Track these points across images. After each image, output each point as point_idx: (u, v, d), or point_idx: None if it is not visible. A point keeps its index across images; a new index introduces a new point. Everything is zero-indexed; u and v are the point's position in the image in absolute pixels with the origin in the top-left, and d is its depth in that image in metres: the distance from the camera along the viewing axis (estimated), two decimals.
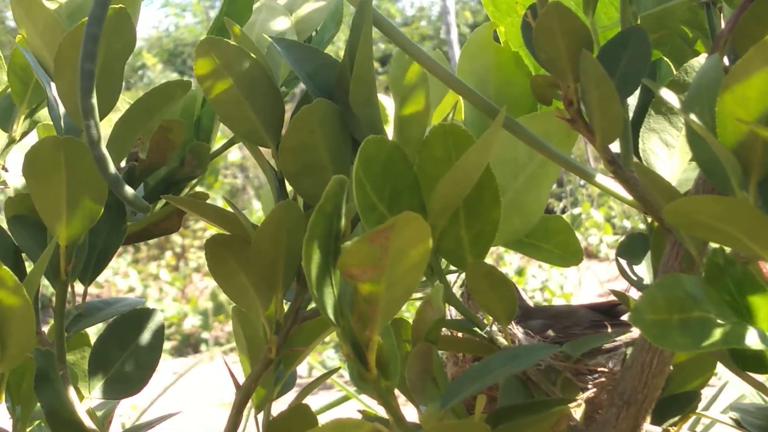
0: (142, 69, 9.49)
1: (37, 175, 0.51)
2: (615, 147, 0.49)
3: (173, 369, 4.05)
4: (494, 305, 0.49)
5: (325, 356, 3.94)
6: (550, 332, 0.55)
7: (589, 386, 0.53)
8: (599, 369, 0.53)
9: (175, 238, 5.32)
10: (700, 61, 0.51)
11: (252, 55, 0.49)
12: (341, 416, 0.38)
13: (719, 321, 0.36)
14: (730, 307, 0.37)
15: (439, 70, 0.49)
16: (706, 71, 0.39)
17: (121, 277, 5.10)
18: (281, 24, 0.59)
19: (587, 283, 4.58)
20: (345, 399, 1.53)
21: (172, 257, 5.35)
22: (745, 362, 0.40)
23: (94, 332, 0.59)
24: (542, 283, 4.58)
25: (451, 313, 0.54)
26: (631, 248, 0.54)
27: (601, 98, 0.42)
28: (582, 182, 5.58)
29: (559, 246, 0.58)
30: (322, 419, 0.44)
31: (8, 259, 0.56)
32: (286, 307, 0.54)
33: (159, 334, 0.61)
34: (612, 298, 0.57)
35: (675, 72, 0.53)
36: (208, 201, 0.61)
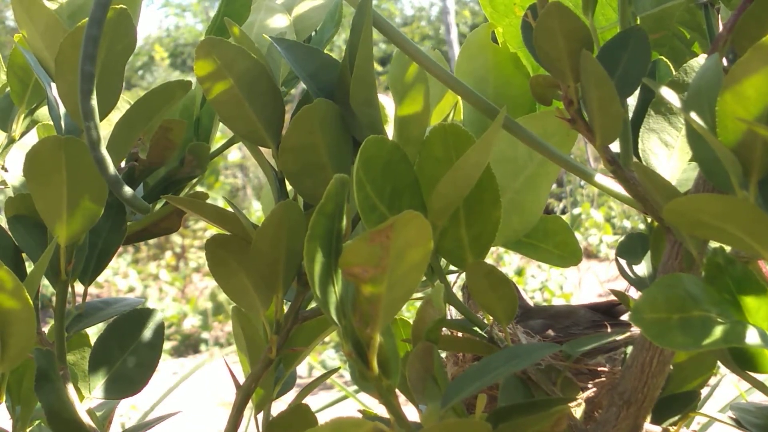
0: (143, 69, 9.48)
1: (37, 175, 0.51)
2: (615, 147, 0.49)
3: (173, 369, 4.05)
4: (494, 305, 0.49)
5: (325, 356, 3.94)
6: (550, 332, 0.55)
7: (589, 386, 0.53)
8: (599, 368, 0.53)
9: (175, 238, 5.32)
10: (699, 61, 0.51)
11: (252, 55, 0.49)
12: (341, 415, 0.38)
13: (719, 320, 0.36)
14: (731, 306, 0.37)
15: (438, 70, 0.49)
16: (706, 71, 0.39)
17: (121, 277, 5.09)
18: (280, 23, 0.59)
19: (587, 284, 4.58)
20: (344, 398, 1.53)
21: (172, 257, 5.35)
22: (745, 361, 0.40)
23: (94, 332, 0.59)
24: (542, 283, 4.58)
25: (452, 312, 0.54)
26: (630, 248, 0.54)
27: (601, 98, 0.42)
28: (582, 182, 5.58)
29: (558, 246, 0.58)
30: (321, 418, 0.44)
31: (8, 260, 0.56)
32: (286, 307, 0.54)
33: (159, 334, 0.61)
34: (612, 297, 0.57)
35: (674, 73, 0.53)
36: (209, 201, 0.61)
